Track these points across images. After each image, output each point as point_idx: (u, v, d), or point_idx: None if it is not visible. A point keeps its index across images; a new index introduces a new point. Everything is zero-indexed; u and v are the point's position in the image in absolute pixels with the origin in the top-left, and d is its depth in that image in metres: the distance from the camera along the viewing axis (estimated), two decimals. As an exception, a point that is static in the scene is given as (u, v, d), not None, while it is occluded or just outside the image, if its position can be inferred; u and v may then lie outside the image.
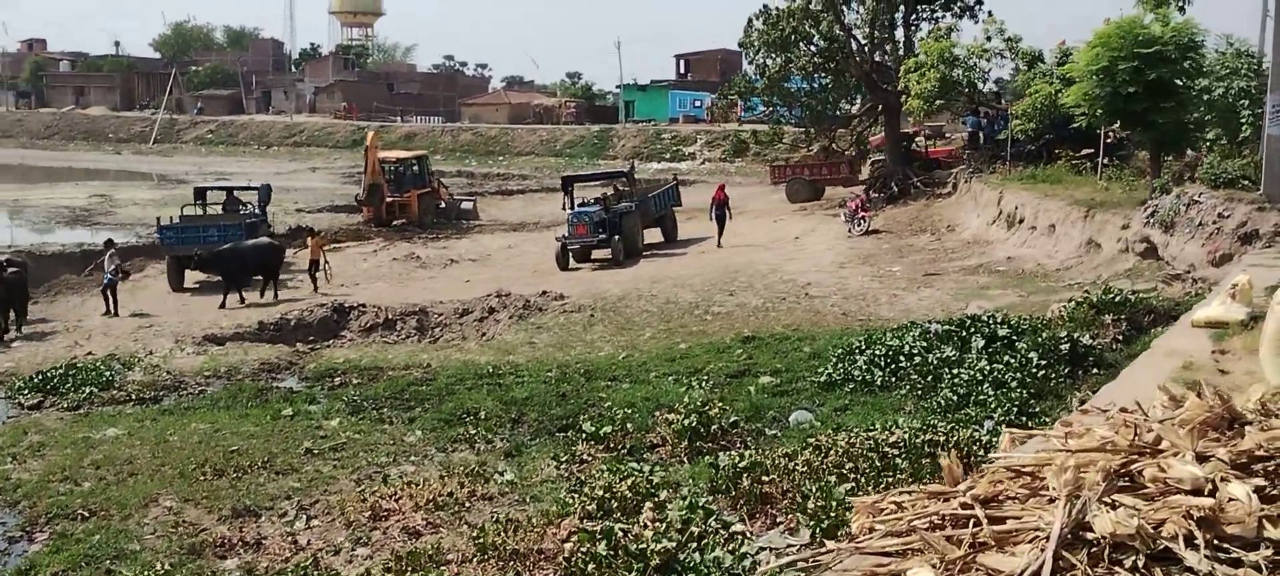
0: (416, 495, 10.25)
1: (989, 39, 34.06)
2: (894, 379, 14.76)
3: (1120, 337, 15.58)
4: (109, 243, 26.03)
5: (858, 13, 39.16)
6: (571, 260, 29.86)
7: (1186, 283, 17.68)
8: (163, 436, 13.24)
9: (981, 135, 36.90)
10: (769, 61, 39.75)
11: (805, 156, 44.97)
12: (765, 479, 10.18)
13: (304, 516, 10.23)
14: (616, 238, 29.95)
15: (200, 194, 32.01)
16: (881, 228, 32.68)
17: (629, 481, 9.48)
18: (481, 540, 8.77)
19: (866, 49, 39.48)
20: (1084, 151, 30.08)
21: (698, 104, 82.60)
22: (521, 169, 76.61)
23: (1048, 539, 4.52)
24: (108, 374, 16.99)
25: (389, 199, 42.26)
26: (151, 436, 13.27)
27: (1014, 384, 13.47)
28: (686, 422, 12.38)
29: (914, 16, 39.00)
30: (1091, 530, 4.56)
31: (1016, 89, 35.61)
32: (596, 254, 30.63)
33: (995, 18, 34.94)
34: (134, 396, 16.05)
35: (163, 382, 16.85)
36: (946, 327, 15.95)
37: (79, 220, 46.56)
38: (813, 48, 39.61)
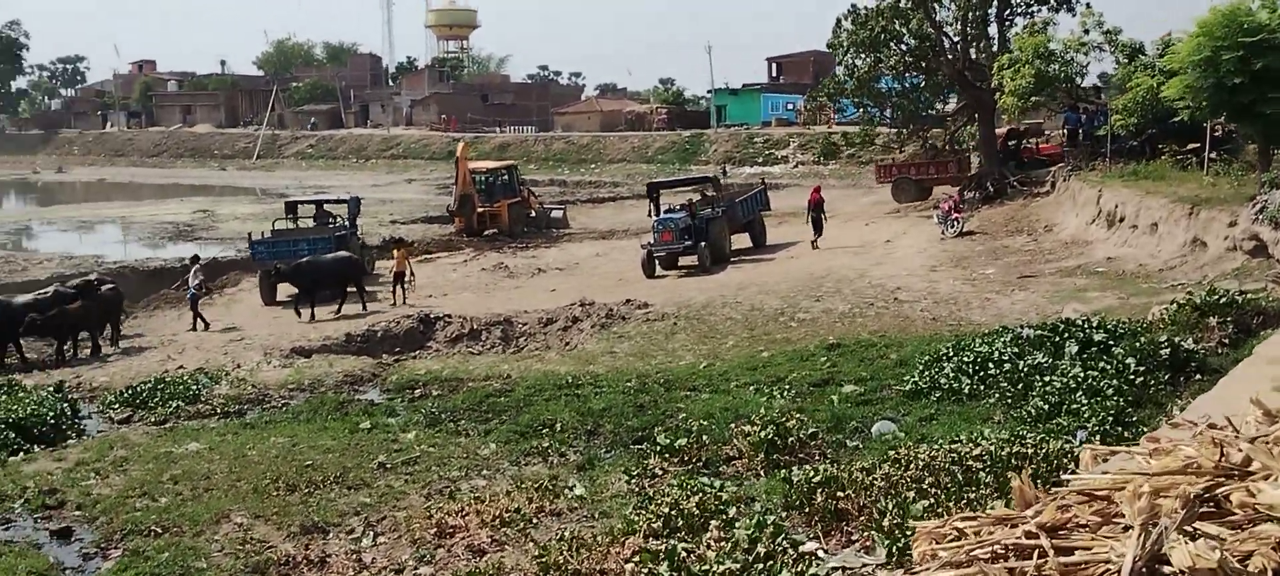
0: (484, 511, 10.08)
1: (1087, 32, 33.00)
2: (982, 387, 14.21)
3: (1226, 341, 14.82)
4: (194, 258, 26.46)
5: (949, 9, 38.28)
6: (658, 267, 29.64)
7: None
8: (241, 451, 13.32)
9: (1080, 132, 35.75)
10: (858, 62, 39.06)
11: (912, 156, 43.91)
12: (841, 494, 9.79)
13: (371, 533, 10.13)
14: (703, 244, 29.64)
15: (291, 208, 32.53)
16: (976, 229, 31.84)
17: (696, 498, 9.17)
18: (545, 559, 8.55)
19: (958, 46, 38.56)
20: (1189, 146, 28.95)
21: (790, 107, 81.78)
22: (613, 176, 76.67)
23: (1119, 573, 4.14)
24: (195, 388, 17.23)
25: (480, 209, 42.49)
26: (231, 451, 13.35)
27: (1110, 391, 12.84)
28: (763, 435, 12.03)
29: (1007, 11, 37.99)
30: (1169, 563, 4.17)
31: (1119, 82, 34.38)
32: (683, 261, 30.37)
33: (1093, 10, 33.87)
34: (219, 410, 16.24)
35: (247, 396, 17.03)
36: (1039, 333, 15.32)
37: (181, 235, 47.76)
38: (903, 47, 38.83)
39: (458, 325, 23.40)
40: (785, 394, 15.28)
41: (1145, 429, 11.53)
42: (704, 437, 12.53)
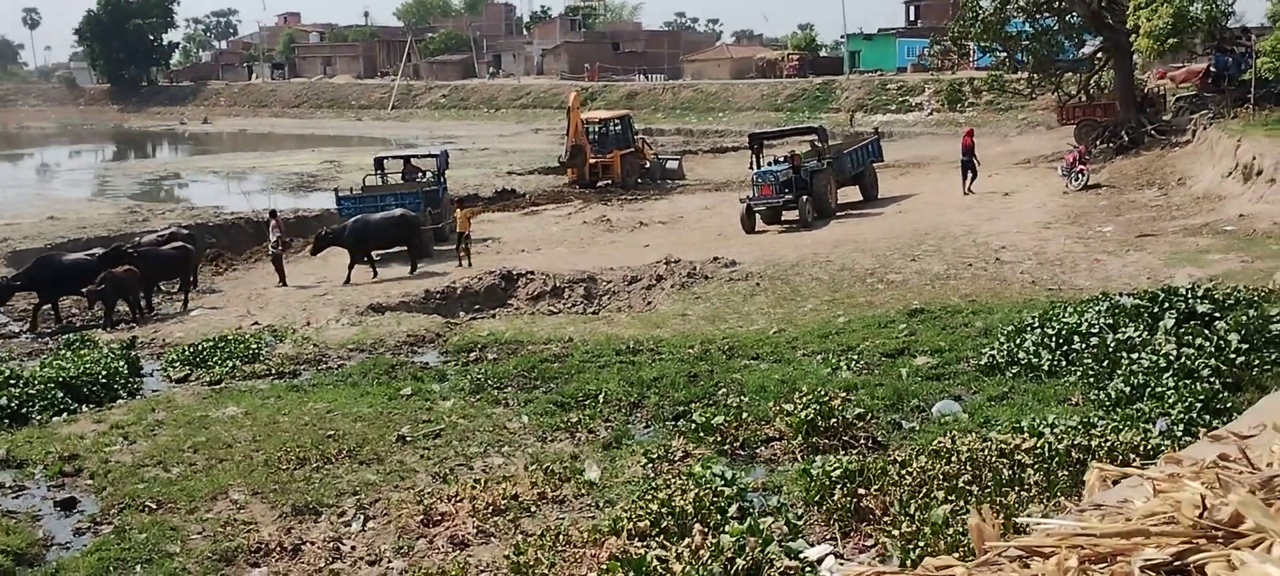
0: (479, 497, 9.39)
1: (1234, -33, 30.31)
2: (1065, 363, 12.90)
3: (1354, 313, 13.12)
4: (273, 213, 26.29)
5: (1084, -56, 35.74)
6: (758, 222, 28.50)
7: None
8: (274, 417, 12.94)
9: (1226, 77, 33.04)
10: (985, 2, 36.84)
11: (1104, 94, 40.80)
12: (862, 491, 8.78)
13: (361, 517, 9.55)
14: (805, 198, 28.35)
15: (379, 163, 32.23)
16: (1104, 182, 29.74)
17: (694, 493, 8.28)
18: (518, 558, 7.80)
19: (1097, -16, 36.06)
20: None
21: (919, 53, 78.71)
22: (741, 125, 74.93)
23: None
24: (255, 347, 17.02)
25: (592, 160, 41.88)
26: (265, 417, 12.99)
27: (1206, 372, 11.43)
28: (803, 415, 11.03)
29: (1148, -55, 35.21)
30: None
31: (1275, 17, 31.50)
32: (786, 215, 29.16)
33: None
34: (274, 370, 15.96)
35: (305, 356, 16.72)
36: (1136, 303, 13.82)
37: (305, 185, 48.46)
38: (1033, -13, 36.51)
39: (540, 282, 22.81)
40: (853, 365, 14.23)
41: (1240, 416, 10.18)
42: (744, 415, 11.60)
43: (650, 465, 10.28)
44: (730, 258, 22.90)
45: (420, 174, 31.20)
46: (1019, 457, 9.11)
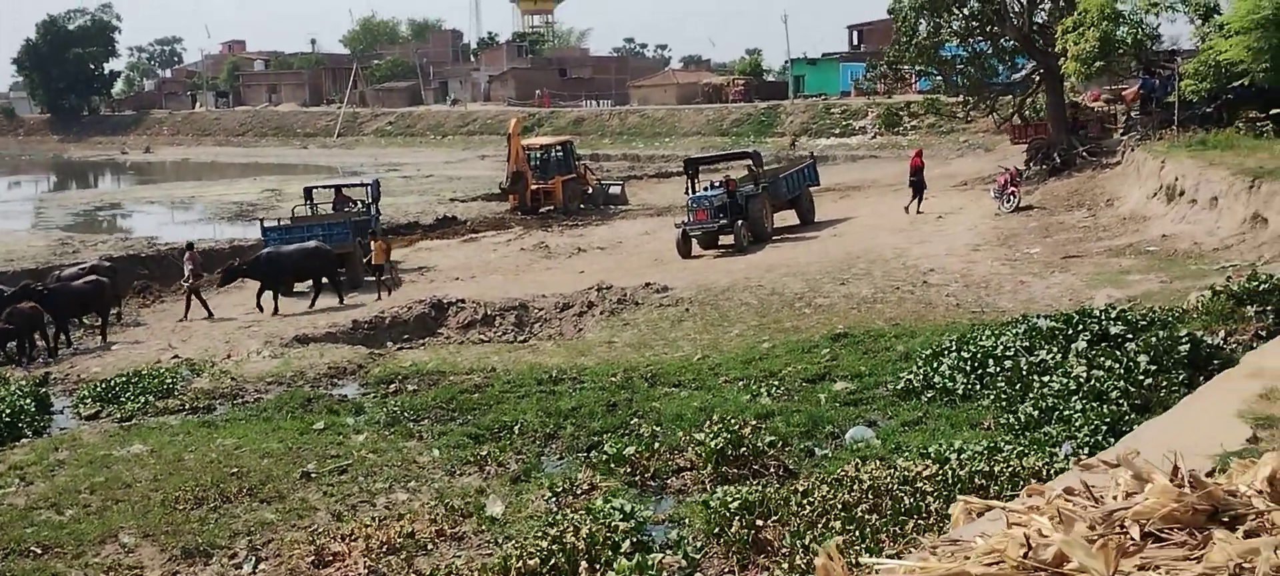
0: (374, 536, 9.18)
1: (1157, -10, 30.75)
2: (980, 387, 12.89)
3: (1264, 334, 13.21)
4: (189, 245, 25.85)
5: (1015, -31, 36.18)
6: (694, 247, 28.49)
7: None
8: (180, 455, 12.63)
9: (1154, 99, 33.50)
10: (920, 27, 37.17)
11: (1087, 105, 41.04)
12: (761, 522, 8.67)
13: (253, 559, 9.30)
14: (740, 222, 28.39)
15: (308, 193, 31.81)
16: (1036, 203, 30.04)
17: (587, 529, 8.13)
18: (404, 599, 7.61)
19: (1024, 8, 36.46)
20: (1272, 111, 26.80)
21: (858, 78, 79.46)
22: (688, 149, 74.98)
23: None
24: (170, 381, 16.66)
25: (533, 186, 41.80)
26: (170, 454, 12.67)
27: (1114, 394, 11.45)
28: (714, 444, 10.92)
29: (1077, -29, 35.70)
30: None
31: (1193, 45, 32.04)
32: (723, 240, 29.18)
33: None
34: (187, 405, 15.62)
35: (222, 390, 16.38)
36: (1052, 325, 13.87)
37: (243, 215, 47.86)
38: (965, 10, 36.86)
39: (470, 310, 22.60)
40: (773, 391, 14.16)
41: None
42: (656, 445, 11.48)
43: (554, 499, 10.11)
44: (662, 283, 22.83)
45: (352, 203, 30.81)
46: (920, 485, 9.07)
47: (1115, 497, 4.41)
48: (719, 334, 18.18)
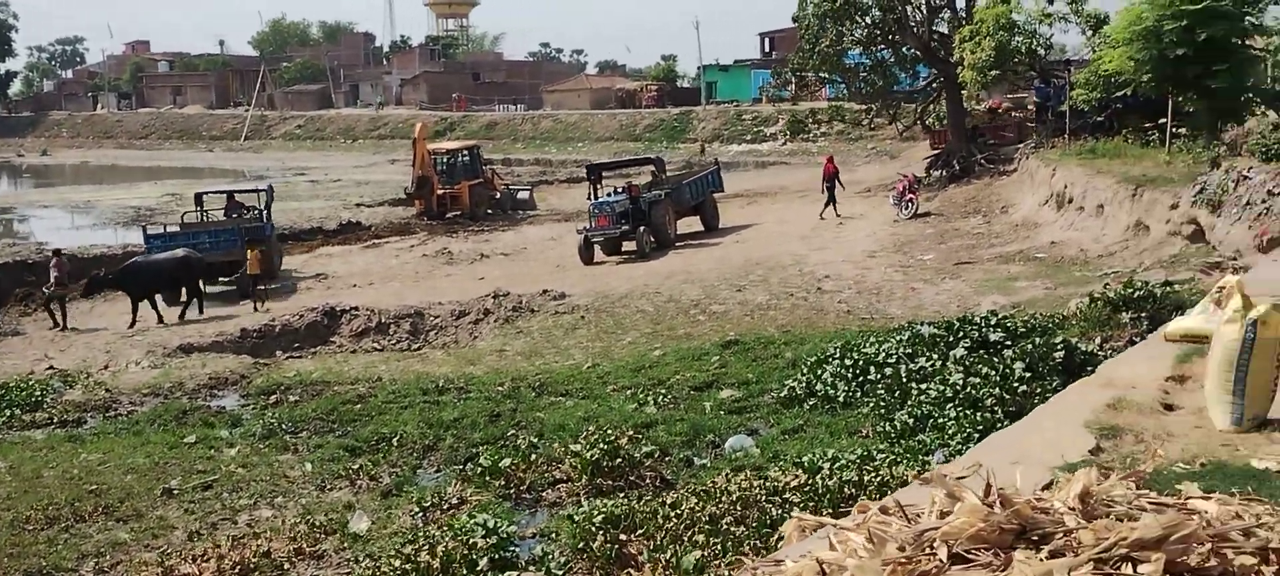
0: (228, 556, 8.86)
1: (1051, 1, 31.42)
2: (861, 394, 12.92)
3: (1136, 340, 13.46)
4: (56, 253, 25.01)
5: (915, -20, 36.68)
6: (597, 253, 28.35)
7: (1228, 272, 15.38)
8: (39, 471, 12.12)
9: (1049, 107, 34.23)
10: (822, 35, 37.47)
11: (976, 116, 41.54)
12: (625, 536, 8.54)
13: (99, 581, 8.93)
14: (641, 228, 28.32)
15: (199, 199, 30.97)
16: (935, 210, 30.47)
17: (443, 546, 7.91)
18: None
19: (925, 17, 37.00)
20: (1161, 121, 27.49)
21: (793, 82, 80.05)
22: (600, 155, 75.11)
23: None
24: (39, 393, 16.03)
25: (440, 191, 41.35)
26: (29, 471, 12.16)
27: (990, 401, 11.54)
28: (589, 455, 10.77)
29: (975, -19, 36.35)
30: None
31: (1084, 55, 32.78)
32: (626, 246, 29.08)
33: (1061, -22, 32.14)
34: (56, 418, 15.04)
35: (94, 403, 15.81)
36: (934, 332, 13.98)
37: (141, 220, 46.48)
38: (868, 19, 37.27)
39: (364, 318, 22.15)
40: (660, 399, 14.05)
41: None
42: (533, 457, 11.29)
43: (422, 514, 9.88)
44: (560, 290, 22.66)
45: (245, 209, 30.06)
46: (788, 496, 9.01)
47: (930, 516, 4.36)
48: (612, 342, 18.06)
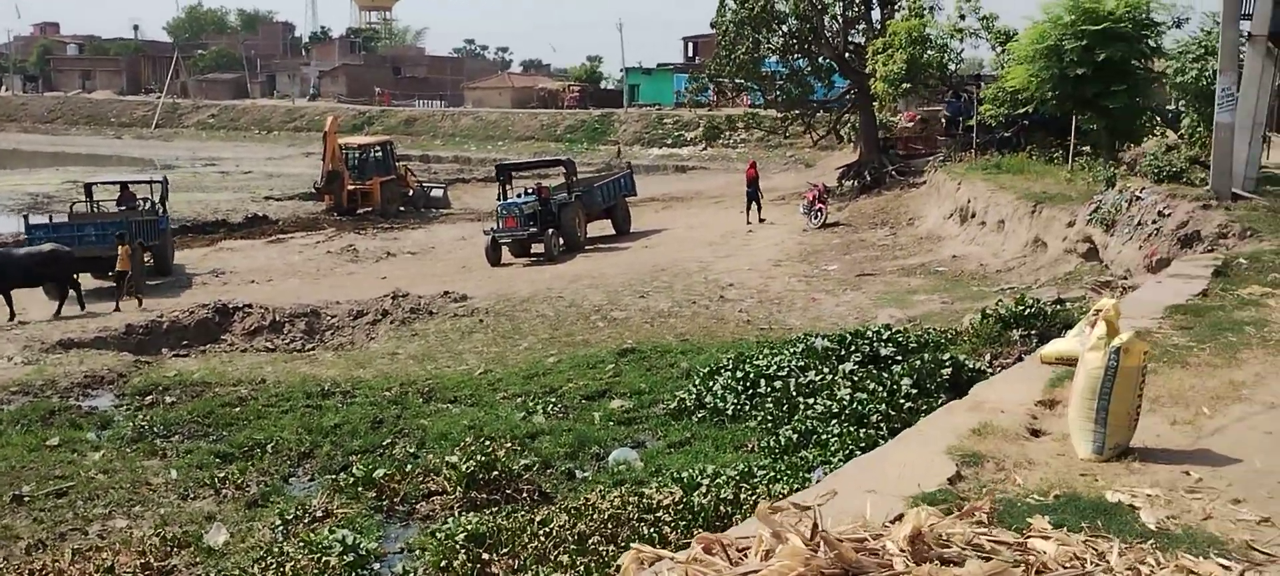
0: (67, 570, 8.39)
1: (963, 17, 31.75)
2: (750, 407, 12.76)
3: (1027, 357, 13.50)
4: None
5: (832, -9, 36.85)
6: (504, 254, 27.97)
7: (1118, 291, 15.53)
8: (-116, 475, 11.45)
9: (960, 121, 34.58)
10: (739, 42, 37.48)
11: (900, 130, 41.67)
12: (488, 555, 8.24)
13: (-74, 597, 8.41)
14: (551, 231, 28.02)
15: (88, 189, 29.85)
16: (844, 220, 30.60)
17: (293, 563, 7.56)
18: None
19: (840, 28, 37.21)
20: (1066, 141, 27.89)
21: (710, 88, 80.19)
22: (520, 154, 74.60)
23: None
24: (-103, 392, 15.25)
25: (351, 187, 40.67)
26: (-127, 476, 11.48)
27: (876, 418, 11.44)
28: (464, 467, 10.45)
29: (889, -7, 36.60)
30: None
31: (994, 70, 33.24)
32: (534, 248, 28.74)
33: (973, -7, 32.43)
34: (-87, 416, 14.30)
35: (-44, 399, 15.08)
36: (827, 345, 13.88)
37: (38, 206, 45.05)
38: (785, 28, 37.37)
39: (258, 316, 21.51)
40: (551, 408, 13.76)
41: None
42: (408, 467, 10.93)
43: (283, 527, 9.47)
44: (461, 292, 22.25)
45: (139, 201, 29.05)
46: (660, 515, 8.79)
47: (755, 557, 4.16)
48: (508, 347, 17.72)
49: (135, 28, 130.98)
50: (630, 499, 9.09)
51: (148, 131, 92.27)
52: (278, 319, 21.55)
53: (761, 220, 31.90)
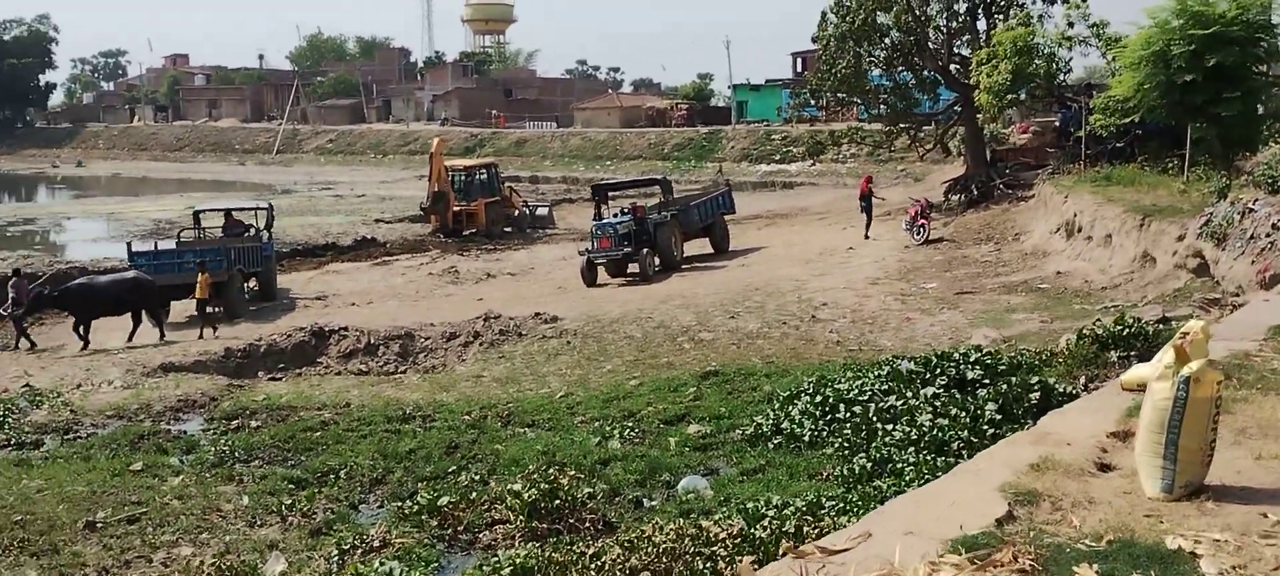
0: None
1: (1071, 26, 30.67)
2: (828, 433, 12.34)
3: (1123, 381, 12.81)
4: (16, 271, 24.58)
5: (936, 1, 35.98)
6: (599, 275, 27.89)
7: (1226, 308, 14.66)
8: (-26, 498, 11.77)
9: (1070, 131, 33.42)
10: (841, 56, 36.87)
11: (1027, 142, 40.61)
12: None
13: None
14: (645, 251, 27.85)
15: (197, 216, 30.64)
16: (949, 236, 29.78)
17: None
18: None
19: (944, 40, 36.33)
20: (1179, 152, 26.68)
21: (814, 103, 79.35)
22: (627, 173, 74.73)
23: None
24: (2, 414, 15.73)
25: (456, 208, 41.11)
26: (-35, 497, 11.81)
27: (956, 444, 10.94)
28: (526, 496, 10.28)
29: (994, 3, 35.56)
30: None
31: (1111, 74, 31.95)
32: (631, 268, 28.61)
33: (1082, 2, 31.30)
34: (14, 440, 14.72)
35: (56, 424, 15.49)
36: (912, 369, 13.38)
37: (160, 232, 46.62)
38: (888, 40, 36.65)
39: (353, 339, 21.81)
40: (627, 433, 13.53)
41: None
42: (473, 495, 10.81)
43: (340, 557, 9.41)
44: (553, 313, 22.19)
45: (244, 227, 29.69)
46: (716, 549, 8.48)
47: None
48: (592, 369, 17.57)
49: (261, 57, 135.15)
50: (688, 531, 8.79)
51: (269, 157, 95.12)
52: (372, 341, 21.81)
53: (867, 236, 31.26)
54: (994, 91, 29.44)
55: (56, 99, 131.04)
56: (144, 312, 23.16)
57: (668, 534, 8.75)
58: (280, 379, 19.65)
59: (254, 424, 15.16)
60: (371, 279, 31.56)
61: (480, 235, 40.51)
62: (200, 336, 22.75)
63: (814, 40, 39.66)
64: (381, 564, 8.60)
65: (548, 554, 8.53)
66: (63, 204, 65.73)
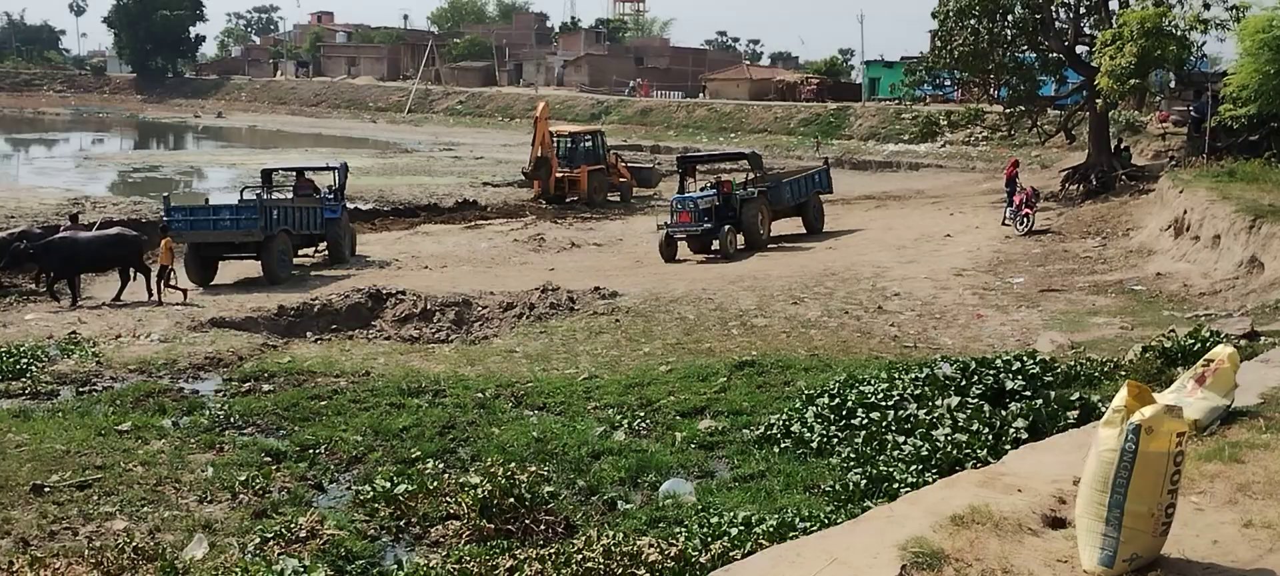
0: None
1: (1207, 7, 28.22)
2: (839, 440, 11.18)
3: (1190, 402, 11.30)
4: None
5: (1063, -22, 33.74)
6: (679, 250, 26.88)
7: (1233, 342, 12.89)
8: (-47, 450, 11.50)
9: (1203, 121, 30.93)
10: (958, 33, 34.92)
11: (1167, 131, 38.14)
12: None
13: None
14: (726, 227, 26.70)
15: (267, 175, 30.33)
16: (1055, 227, 27.85)
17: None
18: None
19: (1071, 19, 34.04)
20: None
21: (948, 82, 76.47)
22: (752, 146, 73.34)
23: None
24: (25, 361, 15.59)
25: (558, 174, 40.52)
26: (-60, 451, 11.55)
27: (970, 465, 9.69)
28: (480, 491, 9.44)
29: (1127, -19, 33.11)
30: None
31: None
32: (715, 245, 27.52)
33: (1221, -20, 28.80)
34: (29, 390, 14.53)
35: (76, 375, 15.28)
36: (948, 373, 12.10)
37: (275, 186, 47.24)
38: (1011, 17, 34.54)
39: (409, 304, 21.32)
40: (637, 424, 12.60)
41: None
42: (431, 485, 10.03)
43: (262, 546, 8.73)
44: (612, 289, 21.33)
45: (314, 188, 29.39)
46: (640, 573, 7.50)
47: None
48: (629, 350, 16.65)
49: (405, 17, 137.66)
50: (621, 549, 7.82)
51: (400, 116, 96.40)
52: (429, 307, 21.27)
53: (1004, 223, 28.81)
54: (1116, 75, 27.29)
55: (210, 51, 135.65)
56: (132, 270, 22.51)
57: (596, 551, 7.81)
58: (324, 341, 19.24)
59: (266, 388, 14.68)
60: (456, 242, 31.13)
61: (581, 203, 39.83)
62: (155, 301, 21.69)
63: (933, 16, 37.69)
64: (284, 561, 7.86)
65: (463, 565, 7.67)
66: (191, 154, 67.54)
